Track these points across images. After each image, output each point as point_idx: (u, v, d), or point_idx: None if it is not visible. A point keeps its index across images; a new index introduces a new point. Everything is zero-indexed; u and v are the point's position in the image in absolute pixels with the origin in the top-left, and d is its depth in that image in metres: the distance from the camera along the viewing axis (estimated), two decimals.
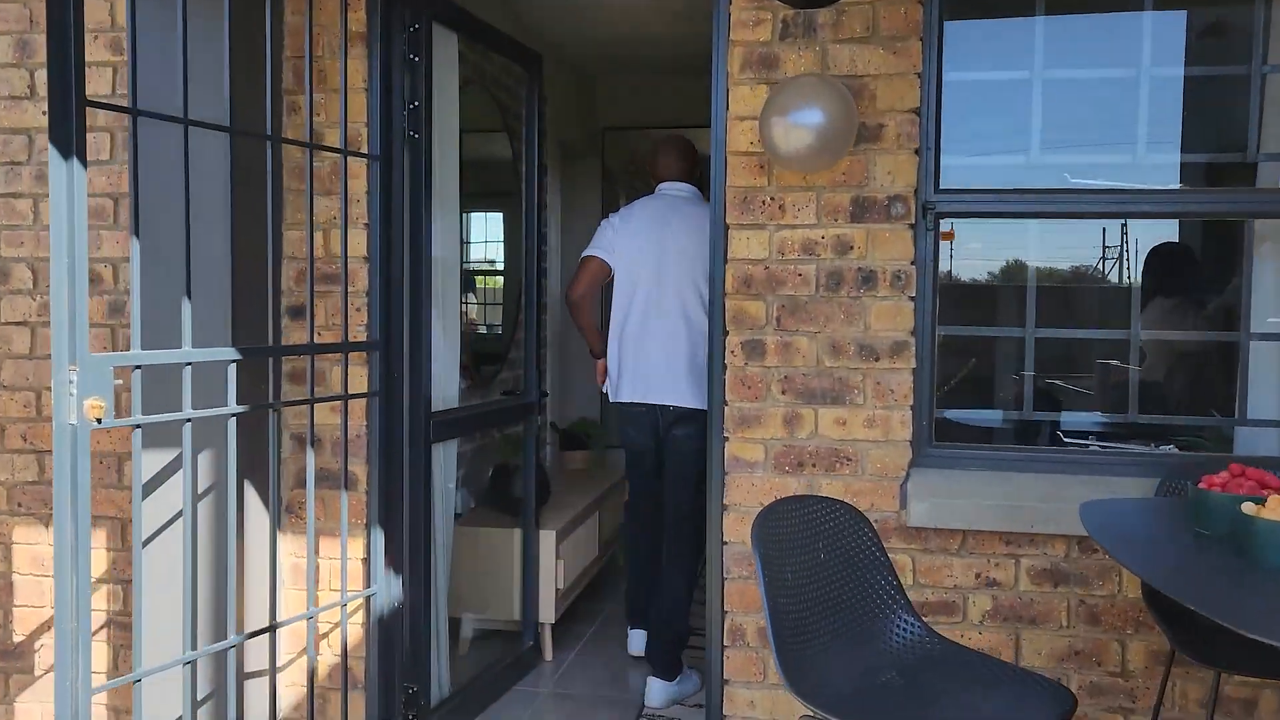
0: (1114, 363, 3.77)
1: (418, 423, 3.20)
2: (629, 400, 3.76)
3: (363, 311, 3.06)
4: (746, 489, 2.92)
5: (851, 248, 2.84)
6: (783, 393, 2.88)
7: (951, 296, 3.14)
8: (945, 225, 2.88)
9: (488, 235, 5.85)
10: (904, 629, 2.25)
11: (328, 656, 3.13)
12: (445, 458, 3.49)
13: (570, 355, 6.65)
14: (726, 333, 2.91)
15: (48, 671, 3.26)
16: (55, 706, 2.22)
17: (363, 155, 3.02)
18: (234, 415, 2.56)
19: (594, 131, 6.84)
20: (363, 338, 3.07)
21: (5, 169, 3.22)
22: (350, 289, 3.04)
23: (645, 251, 3.70)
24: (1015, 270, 3.50)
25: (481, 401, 4.32)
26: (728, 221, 2.90)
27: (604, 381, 3.90)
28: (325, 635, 3.14)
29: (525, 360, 3.97)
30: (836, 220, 2.84)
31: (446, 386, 3.46)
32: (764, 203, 2.88)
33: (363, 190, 3.05)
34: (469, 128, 5.40)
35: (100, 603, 3.20)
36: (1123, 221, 3.84)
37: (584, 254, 3.83)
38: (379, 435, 3.09)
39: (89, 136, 3.06)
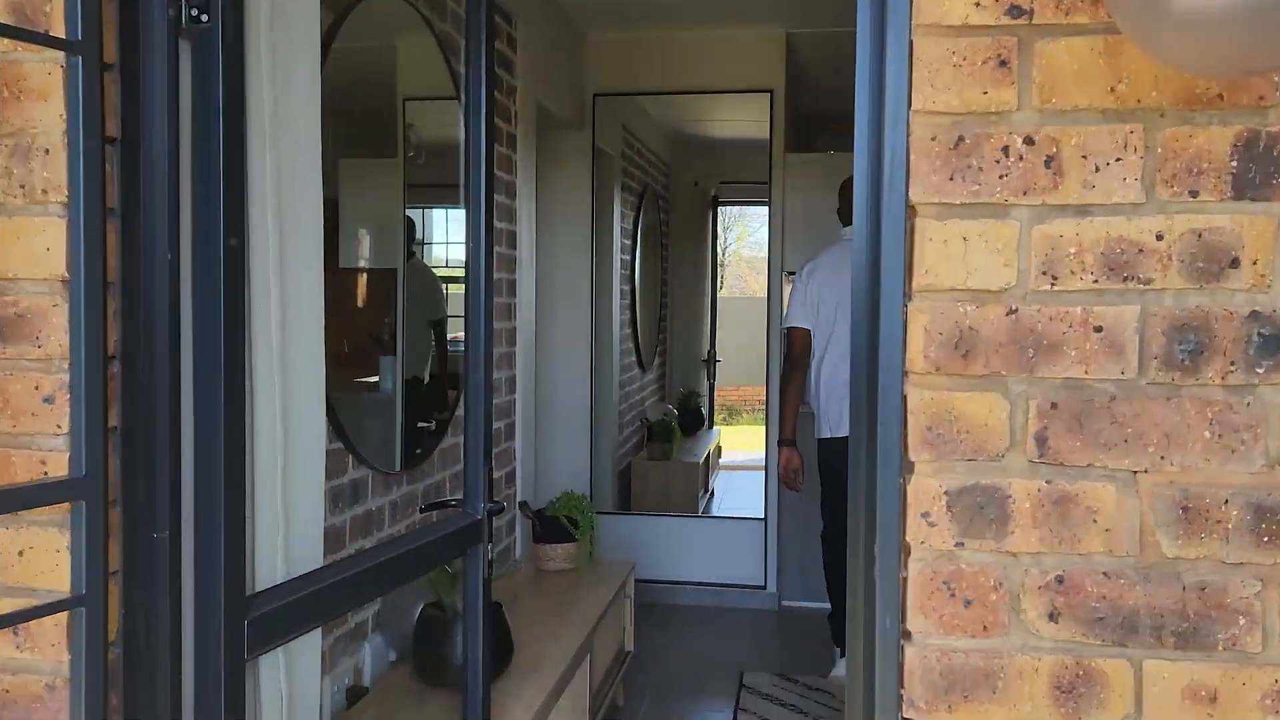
0: None
1: (211, 629, 1.45)
2: (843, 435, 3.51)
3: (58, 408, 1.31)
4: None
5: (1234, 262, 1.12)
6: (1052, 618, 1.15)
7: None
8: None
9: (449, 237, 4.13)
10: None
11: None
12: (297, 667, 1.74)
13: (548, 408, 4.90)
14: (909, 467, 1.18)
15: None
16: None
17: (55, 43, 1.27)
18: None
19: (581, 98, 5.11)
20: (62, 470, 1.32)
21: None
22: (26, 353, 1.29)
23: (831, 302, 3.69)
24: None
25: (375, 547, 2.56)
26: (911, 198, 1.17)
27: (789, 478, 3.86)
28: None
29: (466, 445, 2.22)
30: (1197, 195, 1.12)
31: (297, 531, 1.71)
32: (1007, 152, 1.15)
33: (56, 126, 1.30)
34: (415, 94, 3.70)
35: None
36: None
37: (786, 326, 3.89)
38: (94, 680, 1.34)
39: None
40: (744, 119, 6.13)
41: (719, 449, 7.34)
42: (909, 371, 1.17)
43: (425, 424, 3.39)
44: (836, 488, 3.73)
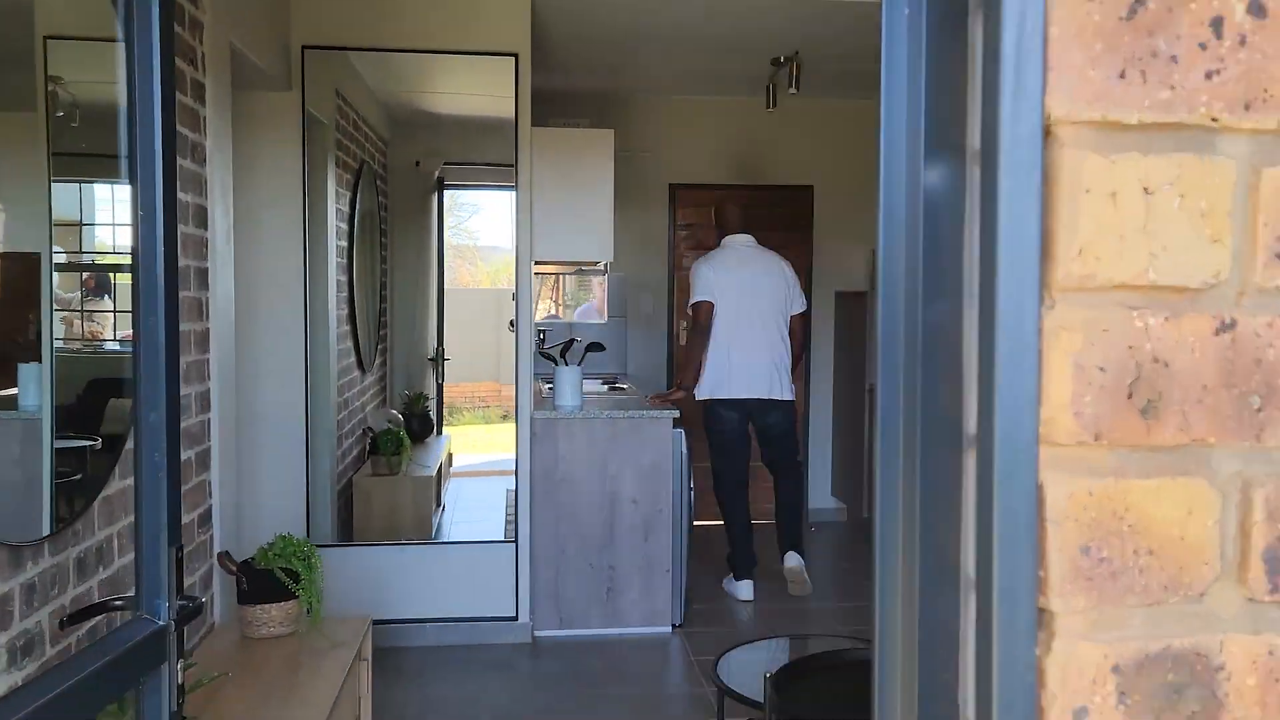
0: None
1: None
2: (739, 396, 4.75)
3: None
4: None
5: None
6: None
7: None
8: None
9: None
10: None
11: None
12: None
13: (254, 425, 4.00)
14: (1048, 621, 0.62)
15: None
16: None
17: None
18: None
19: (287, 49, 4.22)
20: None
21: None
22: None
23: (738, 288, 4.77)
24: None
25: None
26: (1050, 111, 0.61)
27: (662, 399, 4.72)
28: None
29: (139, 519, 1.43)
30: None
31: None
32: (1219, 27, 0.61)
33: None
34: (62, 32, 2.73)
35: None
36: None
37: (696, 300, 4.77)
38: None
39: None
40: (474, 92, 5.47)
41: (450, 456, 6.62)
42: (1047, 441, 0.60)
43: (91, 441, 2.52)
44: (721, 440, 4.84)
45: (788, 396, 4.84)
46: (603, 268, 6.08)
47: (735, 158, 6.39)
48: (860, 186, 6.44)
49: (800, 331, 4.98)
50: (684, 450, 4.49)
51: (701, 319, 4.77)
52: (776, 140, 6.39)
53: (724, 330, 4.74)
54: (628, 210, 6.41)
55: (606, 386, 5.68)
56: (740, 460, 4.89)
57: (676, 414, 4.45)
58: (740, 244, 4.91)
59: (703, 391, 4.79)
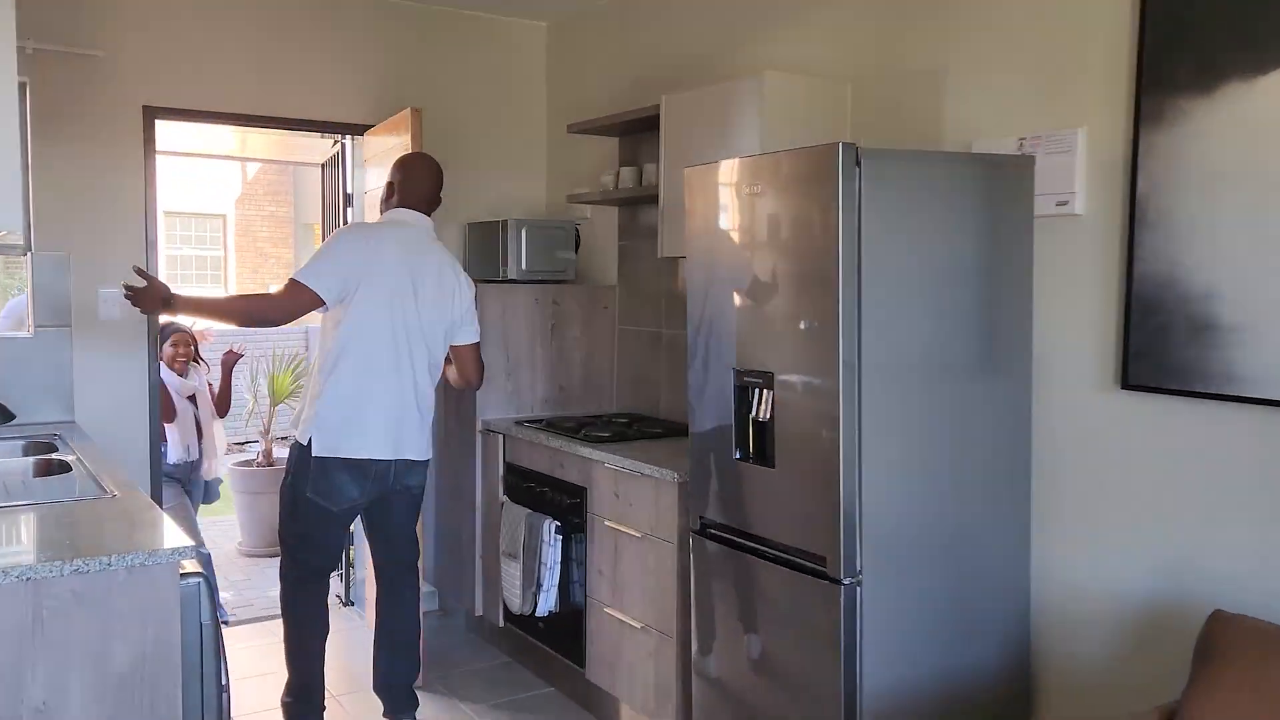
0: None
1: None
2: (364, 456, 3.06)
3: None
4: None
5: None
6: None
7: None
8: None
9: None
10: None
11: None
12: None
13: None
14: None
15: None
16: None
17: None
18: None
19: None
20: None
21: None
22: None
23: (392, 291, 3.07)
24: None
25: None
26: None
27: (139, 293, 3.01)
28: None
29: None
30: None
31: None
32: None
33: None
34: None
35: None
36: None
37: (298, 279, 3.00)
38: None
39: None
40: None
41: None
42: None
43: None
44: (322, 518, 3.11)
45: (425, 455, 3.23)
46: (19, 244, 3.39)
47: (258, 74, 4.02)
48: (455, 131, 4.43)
49: (475, 371, 3.37)
50: (205, 619, 2.19)
51: (287, 301, 3.05)
52: (329, 54, 4.13)
53: (359, 352, 3.06)
54: (65, 148, 3.72)
55: (32, 463, 3.04)
56: (336, 555, 3.35)
57: (191, 558, 2.13)
58: (413, 223, 3.23)
59: (320, 441, 3.06)
